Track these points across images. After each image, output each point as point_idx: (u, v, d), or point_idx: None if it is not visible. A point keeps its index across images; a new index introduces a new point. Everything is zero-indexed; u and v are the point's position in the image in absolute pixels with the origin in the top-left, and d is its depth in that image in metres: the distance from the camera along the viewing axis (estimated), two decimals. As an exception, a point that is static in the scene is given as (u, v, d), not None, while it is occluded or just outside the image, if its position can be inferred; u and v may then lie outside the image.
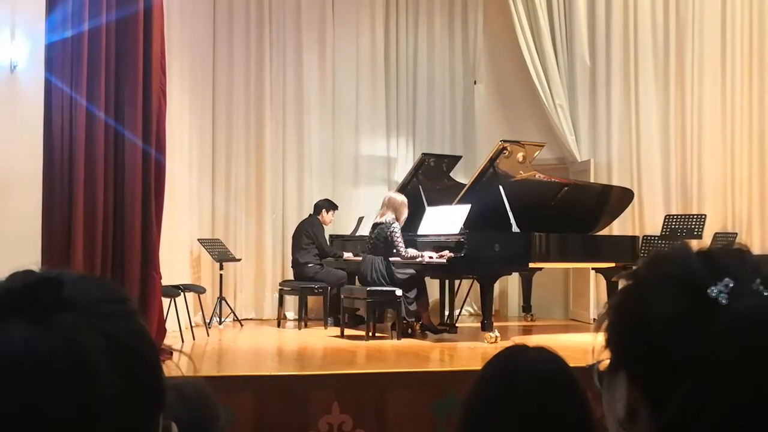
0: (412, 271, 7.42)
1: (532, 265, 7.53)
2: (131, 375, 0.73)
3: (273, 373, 5.30)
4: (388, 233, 7.36)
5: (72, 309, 0.73)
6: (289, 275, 8.96)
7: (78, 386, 0.69)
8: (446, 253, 7.18)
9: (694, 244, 0.91)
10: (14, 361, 0.69)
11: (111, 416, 0.71)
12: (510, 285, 9.88)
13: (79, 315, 0.73)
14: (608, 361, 0.92)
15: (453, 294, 8.36)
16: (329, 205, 8.91)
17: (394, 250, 7.37)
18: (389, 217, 7.46)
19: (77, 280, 0.77)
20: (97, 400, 0.70)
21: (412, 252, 7.40)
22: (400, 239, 7.36)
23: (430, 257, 7.31)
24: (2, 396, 0.68)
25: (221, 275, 8.54)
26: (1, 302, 0.72)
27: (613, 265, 7.83)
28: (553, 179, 8.14)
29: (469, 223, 7.30)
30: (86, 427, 0.69)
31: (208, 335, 7.64)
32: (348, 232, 9.28)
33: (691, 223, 8.24)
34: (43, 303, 0.72)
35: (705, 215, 8.33)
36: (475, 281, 8.24)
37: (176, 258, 8.01)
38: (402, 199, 7.65)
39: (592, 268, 8.53)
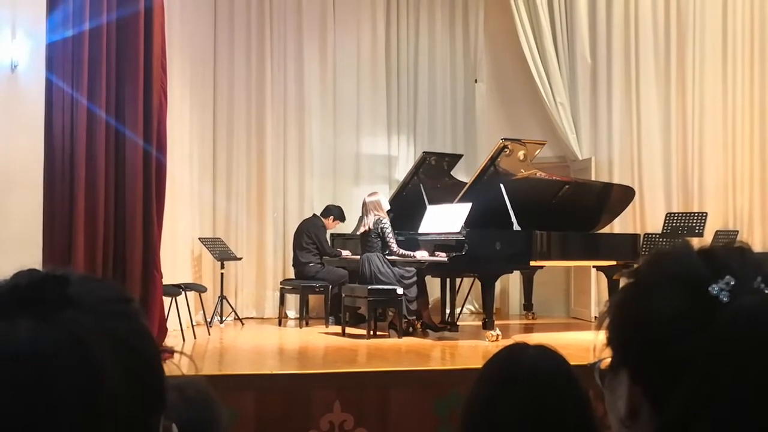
0: (413, 269, 7.44)
1: (533, 263, 7.53)
2: (133, 375, 0.73)
3: (274, 372, 5.30)
4: (380, 229, 7.42)
5: (77, 307, 0.73)
6: (290, 274, 8.96)
7: (83, 384, 0.70)
8: (442, 254, 7.22)
9: (696, 242, 0.91)
10: (20, 357, 0.69)
11: (114, 416, 0.71)
12: (511, 283, 9.88)
13: (84, 313, 0.73)
14: (610, 360, 0.92)
15: (454, 292, 8.36)
16: (338, 215, 8.90)
17: (387, 250, 7.42)
18: (376, 217, 7.50)
19: (82, 279, 0.77)
20: (101, 398, 0.70)
21: (404, 251, 7.44)
22: (392, 236, 7.41)
23: (422, 256, 7.36)
24: (8, 391, 0.68)
25: (222, 274, 8.54)
26: (7, 298, 0.72)
27: (614, 263, 7.82)
28: (554, 177, 8.13)
29: (470, 221, 7.30)
30: (90, 426, 0.69)
31: (209, 334, 7.64)
32: (349, 230, 9.28)
33: (693, 221, 8.23)
34: (49, 300, 0.72)
35: (706, 213, 8.32)
36: (476, 279, 8.24)
37: (177, 257, 8.02)
38: (377, 197, 7.73)
39: (594, 266, 8.52)
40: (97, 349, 0.71)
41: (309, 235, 8.63)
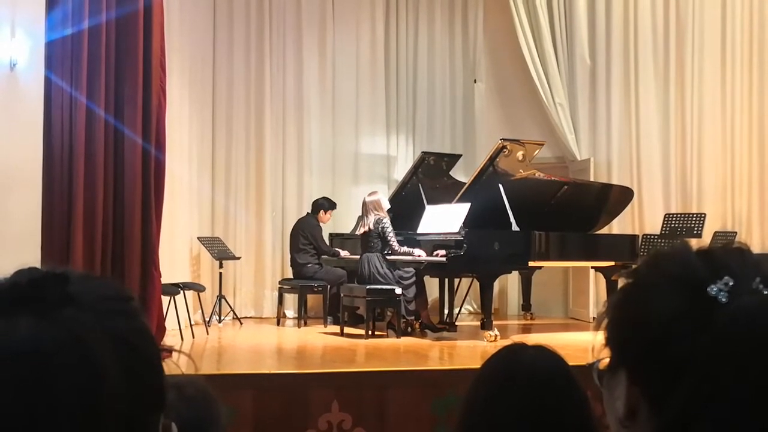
0: (412, 269, 7.45)
1: (531, 263, 7.53)
2: (133, 374, 0.73)
3: (273, 372, 5.30)
4: (381, 228, 7.42)
5: (77, 305, 0.73)
6: (289, 273, 8.95)
7: (83, 382, 0.69)
8: (441, 252, 7.21)
9: (694, 243, 0.91)
10: (20, 355, 0.69)
11: (114, 414, 0.71)
12: (510, 283, 9.88)
13: (84, 311, 0.73)
14: (608, 360, 0.92)
15: (452, 292, 8.35)
16: (329, 205, 8.87)
17: (387, 248, 7.43)
18: (376, 216, 7.51)
19: (82, 278, 0.77)
20: (101, 397, 0.70)
21: (405, 248, 7.45)
22: (392, 234, 7.42)
23: (419, 255, 7.36)
24: (8, 390, 0.68)
25: (221, 273, 8.54)
26: (7, 296, 0.72)
27: (612, 263, 7.83)
28: (552, 178, 8.14)
29: (468, 221, 7.30)
30: (90, 425, 0.69)
31: (207, 333, 7.64)
32: (347, 230, 9.27)
33: (691, 222, 8.24)
34: (49, 298, 0.72)
35: (705, 214, 8.33)
36: (475, 280, 8.24)
37: (176, 256, 8.01)
38: (377, 196, 7.74)
39: (592, 267, 8.53)
40: (97, 348, 0.71)
41: (304, 236, 8.60)
